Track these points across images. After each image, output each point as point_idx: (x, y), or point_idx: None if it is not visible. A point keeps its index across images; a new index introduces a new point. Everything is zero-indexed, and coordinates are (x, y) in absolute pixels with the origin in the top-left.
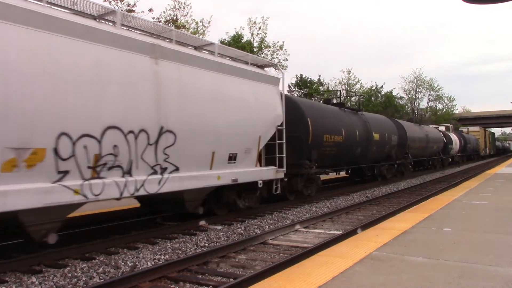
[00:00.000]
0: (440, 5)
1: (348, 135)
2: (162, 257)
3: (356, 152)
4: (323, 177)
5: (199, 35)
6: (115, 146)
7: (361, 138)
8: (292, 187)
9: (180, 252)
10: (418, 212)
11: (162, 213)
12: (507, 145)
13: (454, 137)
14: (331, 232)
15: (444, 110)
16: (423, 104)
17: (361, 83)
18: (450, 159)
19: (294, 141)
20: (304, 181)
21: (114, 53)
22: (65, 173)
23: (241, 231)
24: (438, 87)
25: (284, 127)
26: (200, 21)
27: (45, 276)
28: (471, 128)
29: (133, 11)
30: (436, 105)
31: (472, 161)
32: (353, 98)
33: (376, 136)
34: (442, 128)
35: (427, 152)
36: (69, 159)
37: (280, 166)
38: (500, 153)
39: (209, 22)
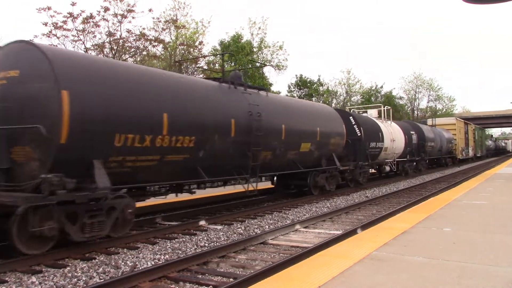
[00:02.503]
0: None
1: None
2: (162, 257)
3: None
4: None
5: (198, 35)
6: None
7: None
8: None
9: (180, 252)
10: (418, 212)
11: (162, 213)
12: (503, 144)
13: (391, 128)
14: (331, 232)
15: (444, 110)
16: (423, 104)
17: (361, 83)
18: (388, 168)
19: None
20: None
21: None
22: None
23: (241, 231)
24: (438, 87)
25: None
26: (200, 21)
27: (45, 276)
28: (441, 120)
29: (133, 11)
30: (436, 105)
31: (435, 169)
32: None
33: None
34: (373, 112)
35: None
36: None
37: None
38: (492, 155)
39: (209, 22)
